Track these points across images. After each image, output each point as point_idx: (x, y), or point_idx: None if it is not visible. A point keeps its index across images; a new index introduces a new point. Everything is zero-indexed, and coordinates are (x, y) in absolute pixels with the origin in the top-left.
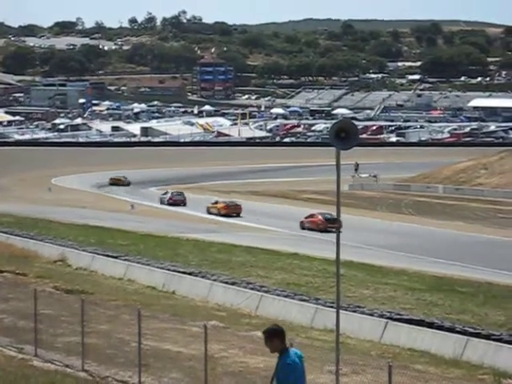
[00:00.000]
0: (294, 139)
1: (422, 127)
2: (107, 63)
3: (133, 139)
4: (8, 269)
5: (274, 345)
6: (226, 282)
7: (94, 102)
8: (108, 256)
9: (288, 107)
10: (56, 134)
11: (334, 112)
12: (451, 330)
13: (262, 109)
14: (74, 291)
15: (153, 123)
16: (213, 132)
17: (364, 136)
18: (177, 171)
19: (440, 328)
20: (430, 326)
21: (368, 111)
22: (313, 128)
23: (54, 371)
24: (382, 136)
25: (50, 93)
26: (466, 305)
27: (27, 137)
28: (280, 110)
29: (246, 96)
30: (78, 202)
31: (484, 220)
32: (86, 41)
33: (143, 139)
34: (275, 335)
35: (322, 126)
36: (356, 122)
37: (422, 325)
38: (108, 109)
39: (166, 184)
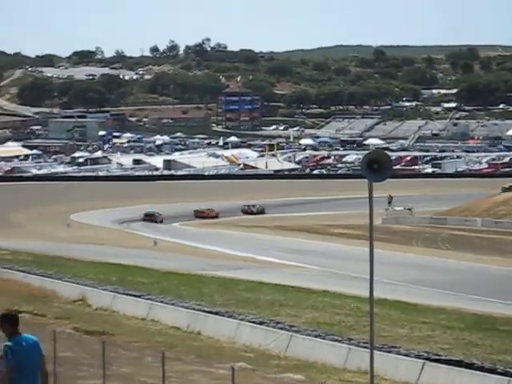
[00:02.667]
0: (323, 171)
1: (458, 157)
2: (128, 93)
3: (155, 172)
4: (26, 309)
5: (4, 329)
6: (254, 322)
7: (115, 134)
8: (129, 295)
9: (317, 137)
10: (75, 167)
11: (366, 142)
12: (492, 371)
13: (291, 139)
14: (94, 332)
15: (176, 156)
16: (239, 164)
17: (398, 167)
18: (201, 206)
19: (480, 369)
20: (470, 366)
21: (402, 141)
22: (343, 159)
23: None
24: (416, 167)
25: (69, 125)
26: (507, 344)
27: (45, 171)
28: (309, 141)
29: (274, 126)
30: (98, 239)
31: None
32: (106, 70)
33: (166, 172)
34: (5, 321)
35: (353, 157)
36: (389, 153)
37: (462, 366)
38: (129, 141)
39: (190, 219)
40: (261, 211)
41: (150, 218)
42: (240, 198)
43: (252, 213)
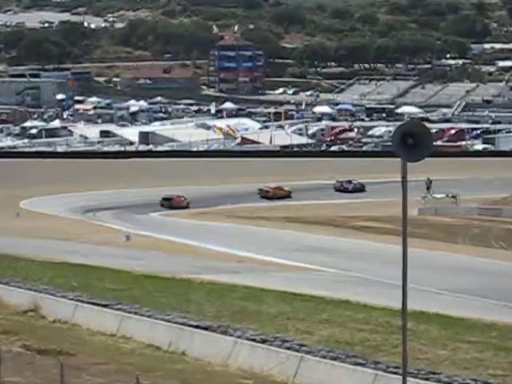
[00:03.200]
0: (344, 147)
1: None
2: (94, 46)
3: (129, 148)
4: None
5: None
6: (254, 340)
7: (77, 98)
8: (95, 304)
9: (337, 104)
10: (26, 141)
11: (399, 111)
12: None
13: (302, 107)
14: (50, 352)
15: (155, 126)
16: (236, 138)
17: (439, 143)
18: (188, 191)
19: None
20: None
21: (444, 110)
22: (370, 132)
23: None
24: (463, 143)
25: (19, 86)
26: None
27: None
28: (326, 109)
29: (281, 90)
30: (56, 232)
31: None
32: (66, 17)
33: (142, 148)
34: None
35: (382, 129)
36: (428, 125)
37: None
38: (96, 107)
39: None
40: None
41: (168, 203)
42: (237, 181)
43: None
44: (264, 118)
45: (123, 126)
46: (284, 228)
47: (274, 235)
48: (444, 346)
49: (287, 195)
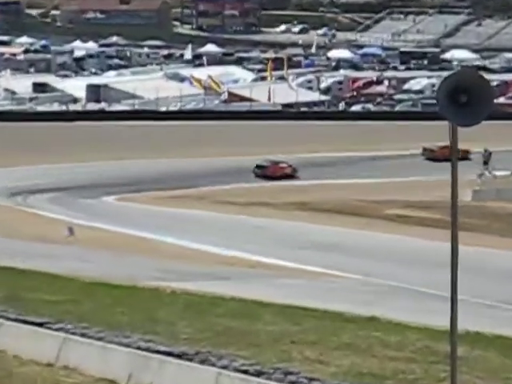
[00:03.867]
0: (369, 107)
1: None
2: None
3: (73, 107)
4: None
5: None
6: (245, 372)
7: (1, 37)
8: (27, 323)
9: (360, 48)
10: None
11: (446, 56)
12: None
13: (313, 50)
14: None
15: (109, 78)
16: (221, 94)
17: (501, 101)
18: (156, 166)
19: None
20: None
21: (509, 55)
22: (405, 86)
23: None
24: None
25: None
26: None
27: None
28: (345, 54)
29: (283, 27)
30: None
31: None
32: None
33: (92, 107)
34: None
35: (422, 82)
36: (487, 75)
37: None
38: (27, 51)
39: (135, 190)
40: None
41: (261, 171)
42: (224, 153)
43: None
44: (259, 67)
45: (65, 76)
46: (290, 218)
47: (276, 228)
48: (506, 381)
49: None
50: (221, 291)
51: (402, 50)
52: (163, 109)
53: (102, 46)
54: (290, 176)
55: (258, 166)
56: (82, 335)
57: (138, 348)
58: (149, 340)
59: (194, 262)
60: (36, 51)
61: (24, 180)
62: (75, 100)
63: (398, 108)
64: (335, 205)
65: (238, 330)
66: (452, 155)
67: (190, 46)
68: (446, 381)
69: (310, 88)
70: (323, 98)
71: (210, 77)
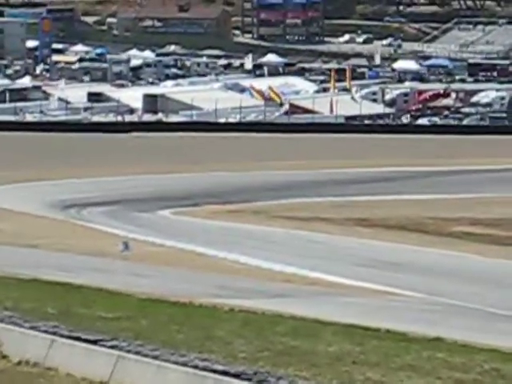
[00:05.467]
0: (436, 120)
1: None
2: None
3: (128, 118)
4: None
5: None
6: None
7: (56, 46)
8: (80, 340)
9: (426, 59)
10: None
11: None
12: None
13: (377, 61)
14: None
15: (167, 88)
16: (281, 105)
17: None
18: (214, 179)
19: None
20: None
21: None
22: (474, 99)
23: None
24: None
25: None
26: None
27: None
28: (411, 65)
29: (347, 37)
30: (24, 237)
31: None
32: None
33: (148, 118)
34: None
35: (491, 94)
36: None
37: None
38: (81, 59)
39: (191, 204)
40: None
41: None
42: (285, 167)
43: None
44: (322, 78)
45: (121, 86)
46: (352, 234)
47: (337, 244)
48: None
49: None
50: (280, 309)
51: (470, 61)
52: (222, 120)
53: (159, 55)
54: None
55: None
56: (137, 353)
57: (195, 367)
58: (205, 359)
59: (251, 278)
60: (91, 60)
61: (77, 193)
62: (131, 110)
63: (465, 122)
64: (398, 221)
65: (297, 349)
66: None
67: (250, 55)
68: None
69: (375, 100)
70: (388, 110)
71: (270, 88)
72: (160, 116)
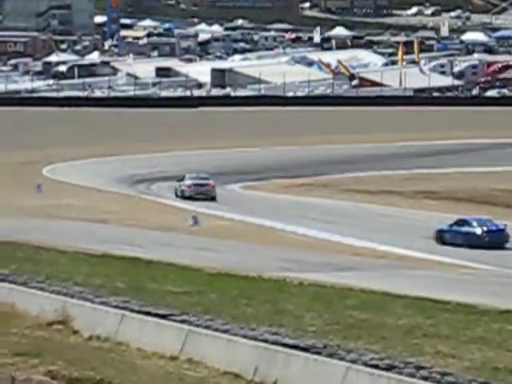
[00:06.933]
0: (505, 92)
1: None
2: None
3: (197, 92)
4: None
5: None
6: (375, 366)
7: (124, 21)
8: (150, 315)
9: (495, 30)
10: (51, 82)
11: None
12: None
13: (445, 33)
14: (85, 381)
15: (235, 62)
16: (351, 78)
17: None
18: (283, 153)
19: None
20: None
21: None
22: None
23: None
24: None
25: (40, 4)
26: None
27: None
28: (480, 37)
29: (415, 9)
30: (93, 212)
31: None
32: None
33: (216, 92)
34: None
35: None
36: None
37: None
38: (150, 34)
39: (263, 177)
40: None
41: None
42: (353, 140)
43: None
44: (390, 50)
45: (189, 61)
46: (421, 207)
47: (405, 217)
48: None
49: None
50: (349, 282)
51: None
52: (290, 94)
53: (227, 29)
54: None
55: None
56: (207, 327)
57: (265, 341)
58: (275, 333)
59: (320, 252)
60: (159, 35)
61: (146, 168)
62: (200, 85)
63: None
64: (467, 193)
65: (367, 322)
66: None
67: (318, 28)
68: None
69: (443, 72)
70: (456, 82)
71: (339, 61)
72: (228, 90)
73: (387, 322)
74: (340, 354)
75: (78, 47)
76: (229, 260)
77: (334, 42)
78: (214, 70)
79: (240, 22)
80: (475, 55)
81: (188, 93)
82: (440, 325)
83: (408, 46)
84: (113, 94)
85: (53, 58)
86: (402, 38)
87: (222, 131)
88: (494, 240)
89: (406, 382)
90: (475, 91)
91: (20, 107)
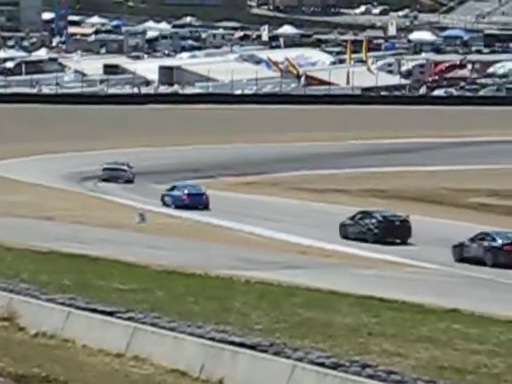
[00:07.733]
0: (452, 91)
1: None
2: None
3: (144, 90)
4: None
5: None
6: (321, 364)
7: (71, 18)
8: (97, 312)
9: (442, 29)
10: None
11: None
12: None
13: (393, 32)
14: (30, 379)
15: (183, 59)
16: (298, 77)
17: None
18: (230, 152)
19: None
20: None
21: None
22: (490, 70)
23: None
24: None
25: None
26: None
27: None
28: (427, 36)
29: (363, 8)
30: (40, 209)
31: None
32: None
33: (164, 89)
34: None
35: (508, 65)
36: None
37: None
38: (97, 32)
39: (208, 176)
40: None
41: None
42: (300, 139)
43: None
44: (338, 49)
45: (137, 58)
46: (368, 206)
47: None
48: None
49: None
50: (296, 281)
51: (487, 32)
52: (238, 92)
53: (175, 26)
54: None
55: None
56: (153, 325)
57: (211, 339)
58: (222, 330)
59: (268, 250)
60: (107, 32)
61: (94, 165)
62: (147, 82)
63: (481, 93)
64: (414, 192)
65: (314, 321)
66: None
67: (266, 27)
68: None
69: (391, 72)
70: (404, 81)
71: (287, 59)
72: (176, 88)
73: (334, 321)
74: (286, 352)
75: (25, 44)
76: (175, 258)
77: (282, 40)
78: (161, 68)
79: (188, 19)
80: (423, 54)
81: (136, 90)
82: (386, 323)
83: (356, 44)
84: (60, 90)
85: (0, 55)
86: (349, 36)
87: (169, 129)
88: None
89: (351, 380)
90: (422, 90)
91: None
